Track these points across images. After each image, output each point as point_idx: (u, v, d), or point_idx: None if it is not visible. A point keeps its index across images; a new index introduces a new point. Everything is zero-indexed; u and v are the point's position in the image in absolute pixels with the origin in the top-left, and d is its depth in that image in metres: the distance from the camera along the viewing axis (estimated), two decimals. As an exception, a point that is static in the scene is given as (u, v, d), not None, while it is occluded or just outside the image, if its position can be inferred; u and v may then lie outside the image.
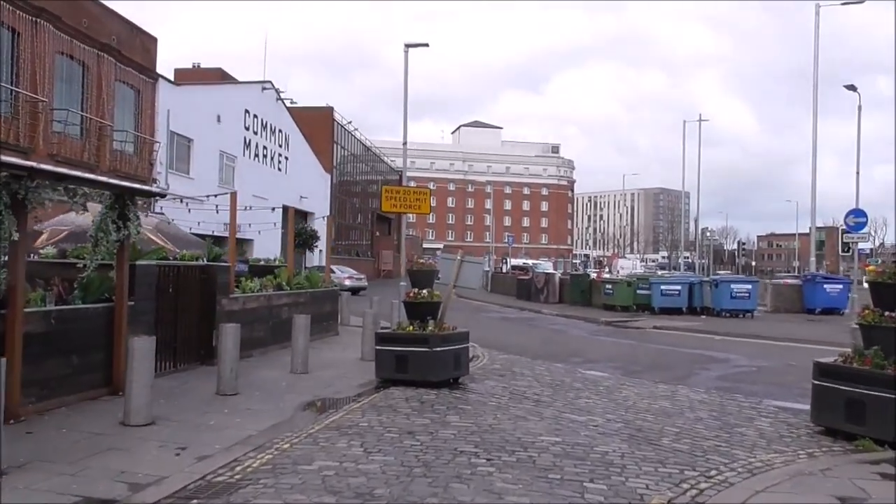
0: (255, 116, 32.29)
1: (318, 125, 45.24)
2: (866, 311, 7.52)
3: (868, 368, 7.19)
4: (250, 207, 27.46)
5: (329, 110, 47.53)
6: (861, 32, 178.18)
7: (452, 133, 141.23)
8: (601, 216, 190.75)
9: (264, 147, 33.72)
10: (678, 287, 24.84)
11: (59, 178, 6.81)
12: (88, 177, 7.35)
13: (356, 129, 57.51)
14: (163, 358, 9.58)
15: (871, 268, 7.76)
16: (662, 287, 24.85)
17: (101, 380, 7.85)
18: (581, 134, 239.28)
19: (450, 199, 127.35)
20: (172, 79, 30.62)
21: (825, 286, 25.61)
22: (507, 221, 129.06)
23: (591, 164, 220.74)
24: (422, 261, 10.35)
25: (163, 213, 18.65)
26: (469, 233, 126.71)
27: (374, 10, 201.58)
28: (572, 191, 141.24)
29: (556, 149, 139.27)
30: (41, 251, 9.49)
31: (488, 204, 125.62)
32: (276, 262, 17.51)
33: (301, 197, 38.37)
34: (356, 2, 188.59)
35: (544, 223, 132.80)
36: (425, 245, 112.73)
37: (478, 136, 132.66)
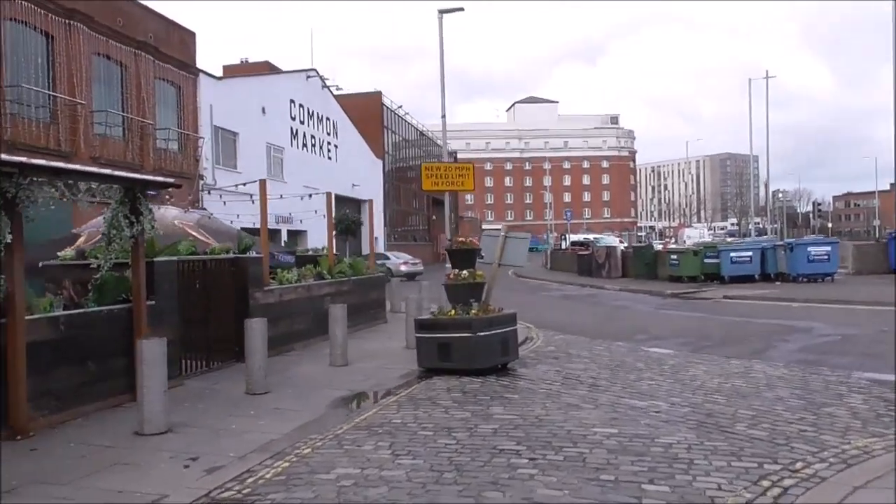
0: (301, 106, 32.02)
1: (367, 111, 44.83)
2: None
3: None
4: (305, 197, 27.21)
5: (378, 95, 47.07)
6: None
7: (507, 111, 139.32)
8: (665, 186, 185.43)
9: (312, 136, 33.47)
10: (749, 253, 23.29)
11: (55, 173, 6.34)
12: (87, 170, 6.88)
13: (407, 114, 56.93)
14: (193, 357, 9.17)
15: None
16: (732, 254, 23.36)
17: (123, 386, 7.43)
18: (642, 104, 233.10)
19: (507, 179, 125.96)
20: (221, 75, 30.74)
21: (913, 243, 23.59)
22: (567, 197, 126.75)
23: (653, 134, 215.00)
24: (461, 239, 9.60)
25: (205, 209, 18.49)
26: (529, 211, 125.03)
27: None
28: (634, 161, 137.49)
29: (615, 119, 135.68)
30: (59, 254, 9.17)
31: (547, 181, 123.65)
32: (324, 252, 17.14)
33: (353, 185, 38.10)
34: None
35: (606, 196, 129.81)
36: (485, 226, 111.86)
37: (533, 112, 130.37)
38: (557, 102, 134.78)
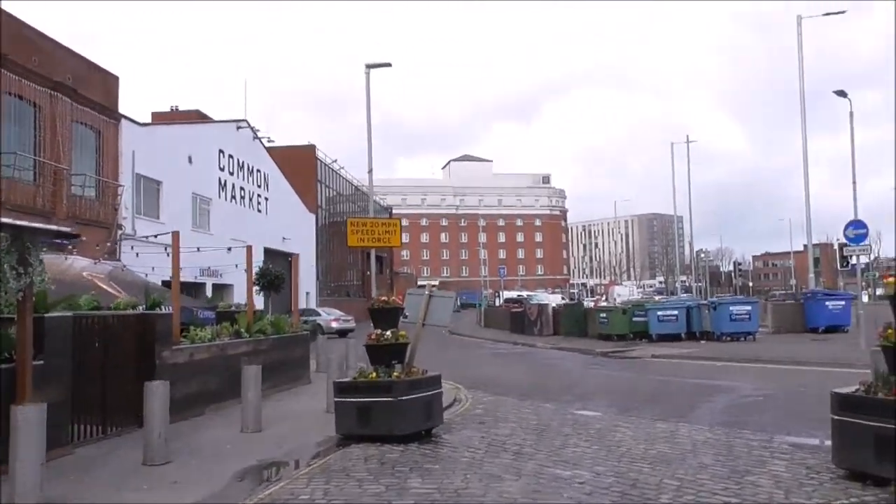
0: (231, 156, 31.39)
1: (300, 164, 44.44)
2: (889, 331, 6.43)
3: (895, 399, 6.09)
4: (234, 250, 26.23)
5: (311, 149, 46.81)
6: (848, 47, 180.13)
7: (443, 168, 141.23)
8: (596, 244, 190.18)
9: (241, 188, 32.77)
10: (675, 312, 23.74)
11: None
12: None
13: (342, 168, 56.76)
14: (88, 422, 8.41)
15: (890, 279, 6.68)
16: (659, 313, 23.76)
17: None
18: (573, 162, 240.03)
19: (443, 235, 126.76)
20: (150, 121, 29.90)
21: (827, 303, 24.55)
22: (502, 254, 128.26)
23: (584, 192, 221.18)
24: (384, 297, 9.27)
25: (119, 261, 17.61)
26: (464, 267, 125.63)
27: (363, 50, 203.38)
28: (565, 220, 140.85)
29: (546, 179, 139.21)
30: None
31: (482, 237, 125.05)
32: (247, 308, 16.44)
33: (284, 238, 37.36)
34: (345, 44, 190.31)
35: (539, 254, 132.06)
36: (420, 282, 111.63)
37: (468, 169, 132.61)
38: (491, 161, 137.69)
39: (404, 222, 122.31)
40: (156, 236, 18.64)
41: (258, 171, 34.99)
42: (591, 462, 7.33)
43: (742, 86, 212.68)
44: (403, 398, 8.59)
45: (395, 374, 8.86)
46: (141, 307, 9.91)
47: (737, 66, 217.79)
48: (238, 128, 32.53)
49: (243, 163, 32.94)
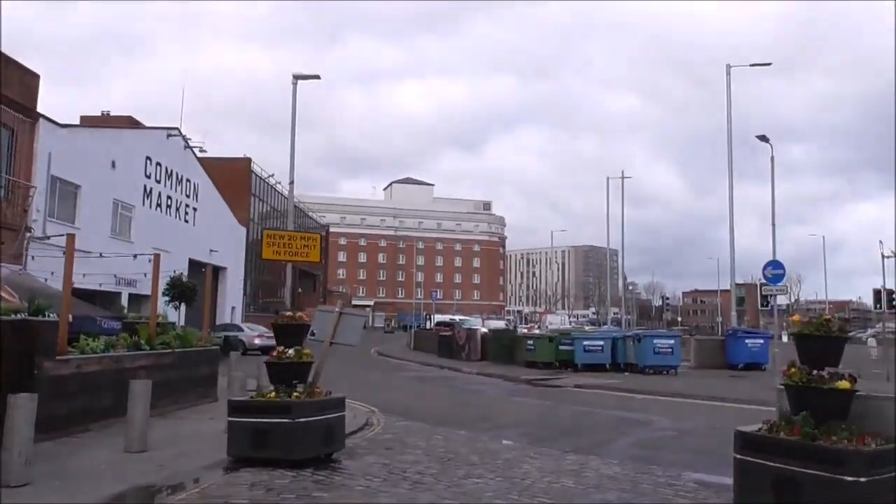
0: (159, 164, 30.21)
1: (234, 177, 43.35)
2: (792, 370, 6.33)
3: (797, 439, 5.97)
4: (143, 258, 24.92)
5: (247, 162, 45.75)
6: (777, 101, 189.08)
7: (384, 189, 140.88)
8: (534, 273, 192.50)
9: (168, 197, 31.56)
10: (601, 343, 23.83)
11: None
12: None
13: (278, 183, 55.67)
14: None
15: (795, 318, 6.63)
16: (585, 343, 23.80)
17: None
18: (517, 193, 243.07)
19: (381, 256, 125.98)
20: (78, 124, 28.54)
21: (747, 341, 25.11)
22: (439, 278, 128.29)
23: (526, 223, 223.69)
24: (288, 313, 8.78)
25: (23, 265, 16.50)
26: (400, 289, 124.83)
27: (313, 69, 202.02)
28: (504, 247, 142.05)
29: (487, 206, 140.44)
30: None
31: (420, 260, 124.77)
32: (160, 319, 15.57)
33: (211, 250, 36.14)
34: (288, 59, 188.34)
35: (476, 279, 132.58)
36: (355, 302, 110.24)
37: (409, 192, 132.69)
38: (433, 185, 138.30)
39: (342, 241, 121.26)
40: (48, 237, 17.52)
41: (188, 180, 33.83)
42: (491, 495, 6.98)
43: (680, 132, 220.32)
44: (301, 420, 8.08)
45: (295, 394, 8.36)
46: (23, 314, 9.11)
47: (675, 112, 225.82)
48: (169, 136, 31.42)
49: (172, 171, 31.79)
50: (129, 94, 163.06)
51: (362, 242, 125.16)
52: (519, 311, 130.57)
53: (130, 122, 32.90)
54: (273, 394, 8.43)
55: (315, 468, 8.01)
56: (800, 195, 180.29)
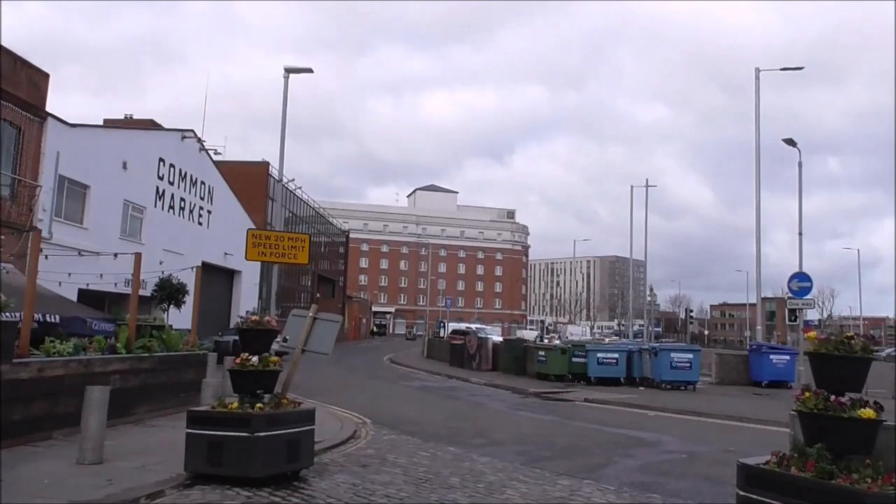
0: (173, 166, 29.88)
1: (252, 181, 43.04)
2: (807, 395, 5.46)
3: (811, 476, 5.10)
4: (116, 256, 23.99)
5: (265, 165, 45.40)
6: (813, 112, 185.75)
7: (408, 196, 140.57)
8: (557, 283, 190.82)
9: (182, 199, 31.23)
10: (616, 355, 22.85)
11: None
12: None
13: (298, 188, 55.47)
14: None
15: (811, 334, 5.73)
16: (599, 355, 22.84)
17: None
18: (543, 203, 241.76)
19: (403, 263, 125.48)
20: (101, 124, 28.38)
21: (771, 357, 23.94)
22: (461, 285, 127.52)
23: (553, 232, 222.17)
24: (254, 317, 8.09)
25: (9, 263, 16.08)
26: (421, 296, 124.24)
27: (338, 77, 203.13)
28: (527, 256, 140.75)
29: (511, 214, 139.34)
30: None
31: (442, 268, 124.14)
32: (156, 321, 15.04)
33: (226, 254, 35.80)
34: (319, 69, 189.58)
35: (498, 288, 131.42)
36: (375, 308, 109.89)
37: (433, 199, 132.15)
38: (457, 193, 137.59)
39: (364, 247, 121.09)
40: (50, 237, 17.04)
41: (202, 183, 33.52)
42: (460, 527, 6.20)
43: (711, 142, 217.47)
44: (261, 434, 7.38)
45: (258, 405, 7.66)
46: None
47: (706, 122, 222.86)
48: (183, 137, 31.13)
49: (186, 173, 31.48)
50: (164, 103, 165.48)
51: (384, 249, 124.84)
52: (542, 321, 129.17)
53: (152, 126, 32.74)
54: (235, 404, 7.74)
55: (275, 487, 7.30)
56: (836, 209, 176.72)
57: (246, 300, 41.09)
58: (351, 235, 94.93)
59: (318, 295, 61.86)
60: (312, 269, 61.49)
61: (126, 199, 26.65)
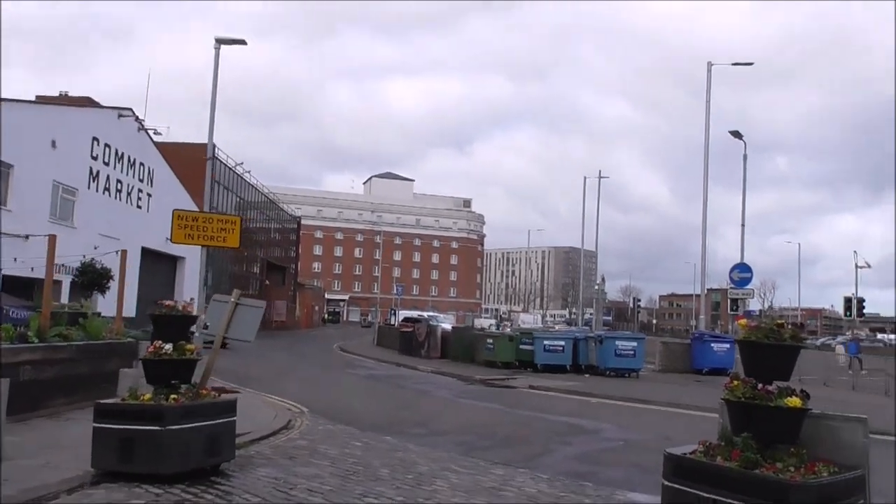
0: (108, 146, 28.69)
1: (196, 164, 41.62)
2: (735, 383, 5.30)
3: (736, 466, 4.94)
4: (28, 237, 22.91)
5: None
6: (767, 113, 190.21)
7: (364, 184, 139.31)
8: (513, 272, 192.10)
9: (119, 181, 30.05)
10: (562, 343, 22.85)
11: None
12: None
13: (247, 172, 54.24)
14: None
15: (742, 321, 5.58)
16: (546, 342, 22.80)
17: None
18: (504, 195, 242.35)
19: (357, 250, 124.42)
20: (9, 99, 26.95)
21: (712, 345, 24.30)
22: (416, 274, 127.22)
23: (513, 223, 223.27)
24: (168, 302, 7.62)
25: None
26: (376, 284, 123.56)
27: (299, 61, 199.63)
28: (482, 245, 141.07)
29: (467, 203, 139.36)
30: None
31: (397, 256, 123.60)
32: (83, 308, 14.31)
33: (167, 238, 34.58)
34: (280, 53, 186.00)
35: (453, 276, 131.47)
36: (329, 296, 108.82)
37: (389, 187, 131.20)
38: (413, 181, 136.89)
39: (317, 234, 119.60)
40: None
41: (141, 164, 32.34)
42: (380, 522, 5.89)
43: (669, 139, 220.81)
44: (174, 428, 6.93)
45: (173, 396, 7.21)
46: None
47: (666, 119, 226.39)
48: (120, 116, 29.91)
49: (123, 154, 30.29)
50: (117, 84, 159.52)
51: (339, 236, 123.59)
52: (496, 310, 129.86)
53: (91, 104, 31.38)
54: (148, 395, 7.27)
55: (189, 484, 6.87)
56: (783, 206, 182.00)
57: (190, 287, 39.95)
58: (305, 222, 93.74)
59: (267, 282, 60.80)
60: (262, 256, 60.40)
61: (56, 180, 25.48)
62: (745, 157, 21.17)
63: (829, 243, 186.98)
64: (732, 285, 18.30)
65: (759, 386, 5.14)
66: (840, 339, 57.86)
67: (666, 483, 5.27)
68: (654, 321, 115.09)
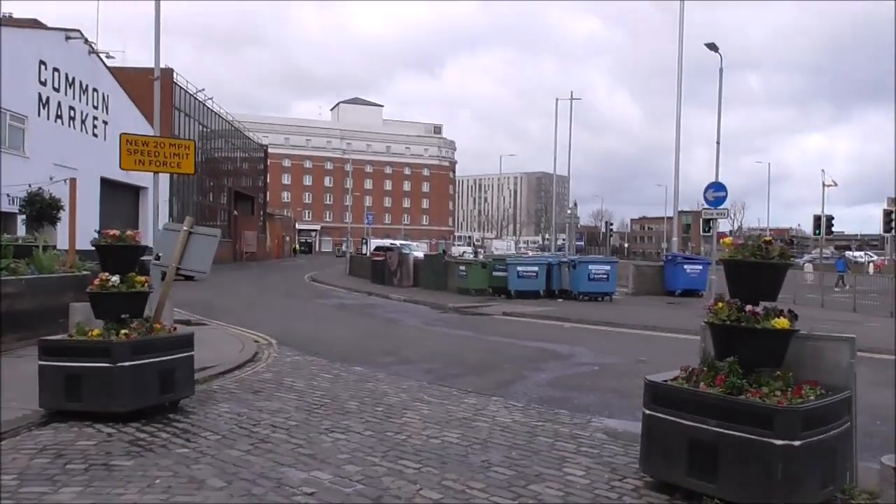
0: (56, 70, 27.07)
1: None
2: (719, 305, 4.98)
3: (719, 392, 4.67)
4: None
5: (168, 72, 42.19)
6: (736, 31, 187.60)
7: (331, 110, 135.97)
8: (485, 199, 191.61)
9: (71, 108, 28.55)
10: (535, 269, 22.68)
11: None
12: None
13: (209, 99, 52.23)
14: None
15: (727, 240, 5.23)
16: (519, 269, 22.61)
17: None
18: (475, 119, 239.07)
19: (327, 179, 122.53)
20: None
21: (685, 267, 24.36)
22: (388, 202, 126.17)
23: (484, 149, 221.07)
24: (113, 232, 7.05)
25: None
26: (347, 213, 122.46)
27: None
28: (454, 172, 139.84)
29: (438, 129, 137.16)
30: None
31: (368, 184, 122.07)
32: (36, 241, 13.58)
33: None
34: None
35: (425, 204, 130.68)
36: (300, 226, 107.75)
37: (358, 113, 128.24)
38: (382, 106, 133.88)
39: (286, 163, 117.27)
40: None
41: (94, 90, 30.71)
42: (346, 457, 5.58)
43: (641, 59, 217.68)
44: (125, 364, 6.51)
45: (124, 331, 6.75)
46: None
47: (637, 38, 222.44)
48: (68, 38, 28.14)
49: (74, 79, 28.67)
50: (65, 8, 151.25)
51: (308, 165, 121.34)
52: (469, 237, 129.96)
53: (35, 25, 29.44)
54: (96, 331, 6.80)
55: (145, 422, 6.51)
56: (754, 125, 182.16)
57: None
58: (272, 150, 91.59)
59: (235, 213, 59.67)
60: (229, 186, 59.02)
61: (2, 107, 24.06)
62: (720, 70, 20.64)
63: (797, 162, 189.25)
64: (707, 205, 18.05)
65: (746, 308, 4.83)
66: (807, 257, 58.97)
67: (647, 412, 5.00)
68: (626, 245, 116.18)
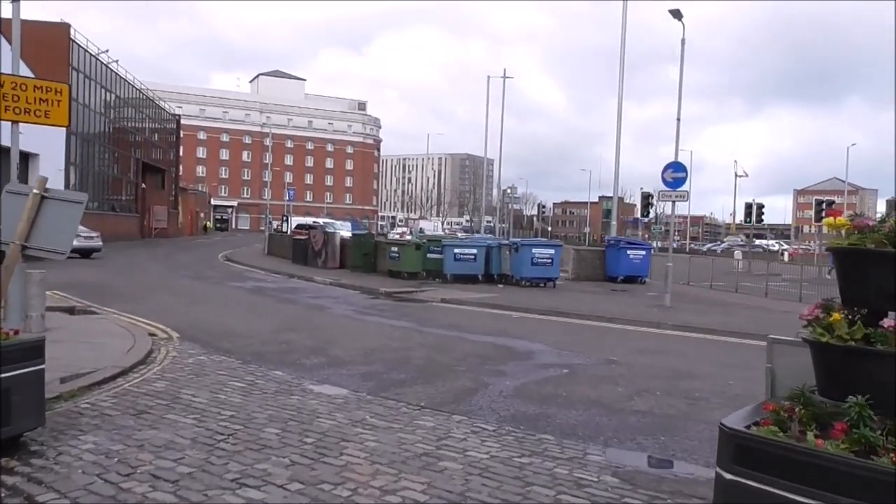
0: (-75, 13, 23.34)
1: (48, 47, 35.78)
2: (835, 316, 3.33)
3: (844, 452, 3.03)
4: None
5: (65, 28, 38.01)
6: (666, 27, 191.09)
7: (250, 82, 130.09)
8: (409, 179, 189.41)
9: (-56, 58, 24.78)
10: (474, 251, 21.03)
11: None
12: None
13: (115, 62, 47.84)
14: None
15: (839, 220, 3.55)
16: (456, 251, 20.91)
17: None
18: (401, 99, 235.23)
19: (245, 153, 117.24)
20: None
21: (629, 252, 23.27)
22: (309, 179, 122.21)
23: (410, 129, 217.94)
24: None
25: None
26: (266, 190, 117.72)
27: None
28: (378, 150, 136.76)
29: (363, 106, 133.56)
30: None
31: (289, 160, 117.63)
32: None
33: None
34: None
35: (349, 182, 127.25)
36: (216, 202, 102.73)
37: (278, 86, 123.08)
38: (305, 80, 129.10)
39: (201, 136, 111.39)
40: None
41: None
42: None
43: (569, 46, 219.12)
44: (-74, 392, 4.35)
45: (-69, 340, 4.57)
46: None
47: (567, 26, 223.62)
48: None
49: (-53, 25, 24.84)
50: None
51: (224, 138, 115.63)
52: (393, 217, 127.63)
53: None
54: None
55: (-43, 475, 4.38)
56: (672, 116, 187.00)
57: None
58: (187, 122, 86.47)
59: (143, 186, 55.44)
60: (137, 157, 54.69)
61: None
62: (683, 41, 19.47)
63: (710, 153, 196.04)
64: (665, 187, 16.83)
65: (885, 323, 3.21)
66: (724, 244, 60.10)
67: (726, 475, 3.31)
68: (549, 229, 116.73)
